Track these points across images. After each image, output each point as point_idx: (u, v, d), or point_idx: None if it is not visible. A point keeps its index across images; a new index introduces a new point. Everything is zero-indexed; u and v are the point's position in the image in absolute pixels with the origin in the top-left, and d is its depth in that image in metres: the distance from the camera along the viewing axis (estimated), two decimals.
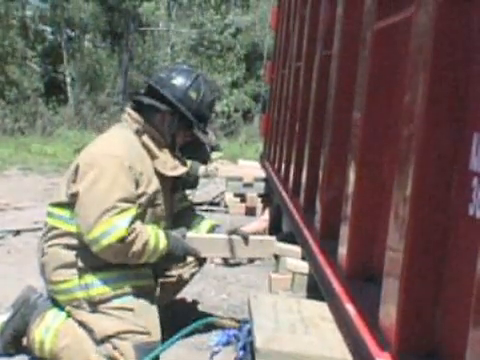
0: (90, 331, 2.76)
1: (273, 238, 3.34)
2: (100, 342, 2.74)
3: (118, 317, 2.78)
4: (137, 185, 2.84)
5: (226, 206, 7.11)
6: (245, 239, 3.12)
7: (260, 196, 7.00)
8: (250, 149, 14.60)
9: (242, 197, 7.07)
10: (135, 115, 3.01)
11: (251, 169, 7.66)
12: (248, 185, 7.07)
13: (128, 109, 3.07)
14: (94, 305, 2.80)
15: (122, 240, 2.71)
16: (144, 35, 21.41)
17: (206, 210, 6.82)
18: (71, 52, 19.80)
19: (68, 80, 19.55)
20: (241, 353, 2.78)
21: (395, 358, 1.67)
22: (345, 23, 2.89)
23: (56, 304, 2.91)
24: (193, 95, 3.03)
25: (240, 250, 3.13)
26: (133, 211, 2.77)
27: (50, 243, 2.89)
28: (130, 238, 2.73)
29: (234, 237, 3.12)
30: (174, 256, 2.98)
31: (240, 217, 6.53)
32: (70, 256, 2.82)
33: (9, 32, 18.05)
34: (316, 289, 2.82)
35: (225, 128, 18.44)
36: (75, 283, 2.81)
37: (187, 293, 3.59)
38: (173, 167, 3.04)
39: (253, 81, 20.81)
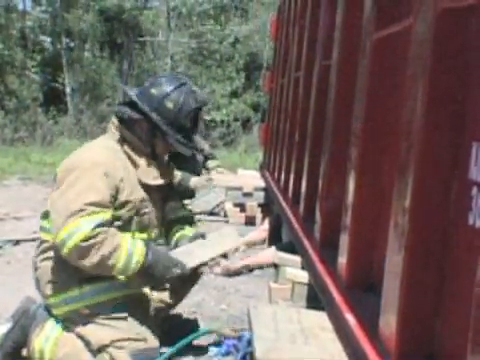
0: (87, 343, 2.76)
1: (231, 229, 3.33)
2: (97, 352, 2.74)
3: (112, 326, 2.77)
4: (117, 192, 2.81)
5: (226, 215, 7.10)
6: (203, 237, 3.11)
7: (260, 205, 6.99)
8: (250, 158, 14.58)
9: (242, 206, 7.06)
10: (117, 124, 3.01)
11: (251, 178, 7.66)
12: (248, 194, 7.07)
13: (113, 118, 3.06)
14: (87, 316, 2.79)
15: (86, 240, 2.63)
16: (144, 45, 21.44)
17: (206, 220, 6.81)
18: (71, 62, 19.79)
19: (68, 90, 19.54)
20: None
21: None
22: (344, 33, 2.90)
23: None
24: (169, 105, 2.96)
25: (211, 249, 3.08)
26: (103, 215, 2.71)
27: (42, 257, 2.89)
28: (97, 239, 2.65)
29: (199, 241, 3.09)
30: (154, 276, 2.86)
31: (240, 226, 6.52)
32: (61, 269, 2.81)
33: (9, 42, 18.09)
34: (316, 299, 2.81)
35: (224, 137, 18.43)
36: (67, 296, 2.80)
37: (186, 304, 3.58)
38: (155, 176, 3.01)
39: (252, 91, 20.82)
